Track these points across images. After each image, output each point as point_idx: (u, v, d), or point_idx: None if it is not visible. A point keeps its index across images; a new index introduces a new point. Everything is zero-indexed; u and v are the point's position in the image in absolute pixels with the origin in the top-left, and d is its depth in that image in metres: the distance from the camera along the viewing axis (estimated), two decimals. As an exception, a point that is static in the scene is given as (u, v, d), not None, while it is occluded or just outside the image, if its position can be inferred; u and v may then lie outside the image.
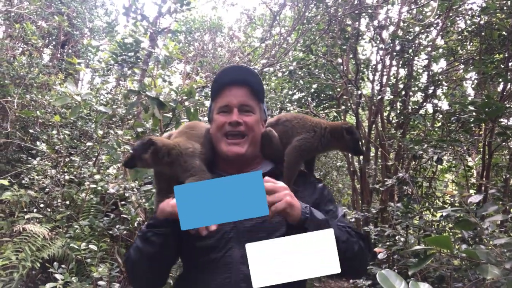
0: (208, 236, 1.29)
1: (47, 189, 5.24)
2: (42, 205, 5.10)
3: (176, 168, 1.43)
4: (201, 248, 1.36)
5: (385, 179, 4.60)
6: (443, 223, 3.61)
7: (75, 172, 5.67)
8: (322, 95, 7.68)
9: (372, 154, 6.36)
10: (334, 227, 1.24)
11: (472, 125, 4.19)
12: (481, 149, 4.97)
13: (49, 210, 5.07)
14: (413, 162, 5.27)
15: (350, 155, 6.69)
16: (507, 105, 3.78)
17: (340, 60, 6.38)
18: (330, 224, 1.26)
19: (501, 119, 3.99)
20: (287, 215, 1.20)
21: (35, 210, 4.97)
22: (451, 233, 3.53)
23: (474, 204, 1.81)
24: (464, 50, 5.95)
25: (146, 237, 1.32)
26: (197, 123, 1.69)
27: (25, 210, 4.84)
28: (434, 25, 5.44)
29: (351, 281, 4.38)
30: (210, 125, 1.58)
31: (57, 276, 3.29)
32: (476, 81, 5.27)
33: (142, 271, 1.38)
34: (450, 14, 5.16)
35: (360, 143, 1.72)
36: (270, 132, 1.59)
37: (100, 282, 3.51)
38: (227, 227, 1.35)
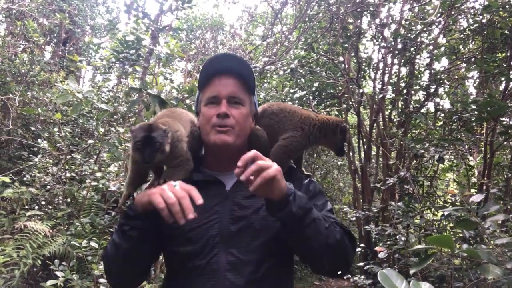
0: (192, 242, 1.27)
1: (48, 187, 5.25)
2: (43, 203, 5.12)
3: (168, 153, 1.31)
4: (185, 254, 1.29)
5: (386, 178, 4.59)
6: (444, 223, 3.61)
7: (76, 170, 5.68)
8: (324, 94, 7.66)
9: (373, 153, 6.35)
10: (317, 213, 1.21)
11: (474, 124, 4.18)
12: (483, 148, 4.96)
13: (50, 207, 5.08)
14: (415, 161, 5.26)
15: (351, 153, 6.68)
16: (509, 104, 3.77)
17: (341, 59, 6.36)
18: (314, 210, 1.21)
19: (503, 118, 3.98)
20: (274, 186, 1.13)
21: (36, 207, 4.98)
22: (452, 233, 3.52)
23: (476, 204, 1.80)
24: (466, 49, 5.92)
25: (123, 230, 1.23)
26: (175, 108, 1.59)
27: (26, 207, 4.86)
28: (436, 24, 5.42)
29: (351, 279, 4.38)
30: (197, 118, 1.50)
31: (58, 273, 3.30)
32: (478, 80, 5.25)
33: (118, 267, 1.29)
34: (452, 13, 5.14)
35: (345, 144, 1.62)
36: (258, 131, 1.49)
37: (101, 280, 3.51)
38: (213, 232, 1.28)
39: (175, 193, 1.10)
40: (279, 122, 1.51)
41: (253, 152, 1.13)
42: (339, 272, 1.30)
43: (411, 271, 1.38)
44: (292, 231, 1.20)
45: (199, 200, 1.10)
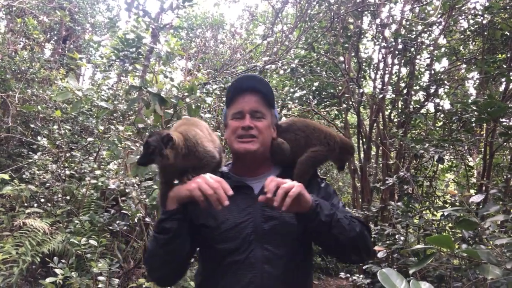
0: (230, 240, 1.45)
1: (47, 184, 5.25)
2: (42, 200, 5.12)
3: (191, 158, 1.44)
4: (224, 251, 1.46)
5: (386, 178, 4.59)
6: (444, 223, 3.61)
7: (75, 167, 5.68)
8: (324, 93, 7.66)
9: (373, 152, 6.35)
10: (339, 213, 1.41)
11: (474, 125, 4.18)
12: (482, 149, 4.97)
13: (49, 205, 5.08)
14: (414, 161, 5.26)
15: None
16: (510, 105, 3.77)
17: (342, 58, 6.36)
18: (336, 212, 1.40)
19: (503, 119, 3.98)
20: (301, 201, 1.31)
21: (35, 204, 4.98)
22: (451, 233, 3.53)
23: (475, 204, 1.80)
24: (467, 50, 5.92)
25: (160, 227, 1.40)
26: (190, 117, 1.77)
27: (25, 204, 4.86)
28: (437, 24, 5.42)
29: (350, 279, 4.38)
30: (225, 130, 1.71)
31: (57, 270, 3.30)
32: (478, 81, 5.26)
33: (159, 260, 1.44)
34: (453, 13, 5.14)
35: None
36: (282, 144, 1.69)
37: (100, 278, 3.51)
38: (248, 230, 1.46)
39: (210, 185, 1.28)
40: (306, 138, 1.73)
41: (273, 181, 1.30)
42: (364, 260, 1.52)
43: (411, 271, 1.40)
44: (321, 233, 1.40)
45: (229, 191, 1.29)
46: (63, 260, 3.53)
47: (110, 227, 4.37)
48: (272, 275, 1.41)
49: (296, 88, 7.21)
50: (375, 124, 6.01)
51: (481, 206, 2.96)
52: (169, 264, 1.45)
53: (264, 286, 1.41)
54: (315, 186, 1.63)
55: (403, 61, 5.78)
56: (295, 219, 1.44)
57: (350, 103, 6.60)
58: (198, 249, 1.60)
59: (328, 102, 7.90)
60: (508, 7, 4.18)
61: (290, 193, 1.26)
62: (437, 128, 5.25)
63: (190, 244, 1.49)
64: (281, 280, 1.42)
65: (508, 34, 4.45)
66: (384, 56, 6.06)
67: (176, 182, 1.50)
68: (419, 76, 6.05)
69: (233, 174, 1.66)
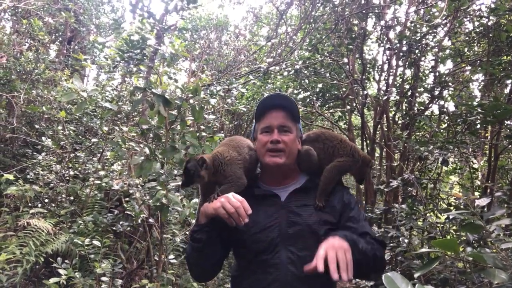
0: (259, 242, 1.61)
1: (51, 184, 5.26)
2: (46, 200, 5.13)
3: (218, 175, 1.68)
4: (254, 251, 1.62)
5: (390, 180, 4.57)
6: (448, 225, 3.59)
7: (79, 168, 5.70)
8: (328, 95, 7.65)
9: (377, 154, 6.33)
10: (363, 243, 1.51)
11: (478, 127, 4.16)
12: (487, 151, 4.94)
13: (53, 205, 5.10)
14: (418, 163, 5.24)
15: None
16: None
17: (346, 60, 6.35)
18: (361, 242, 1.50)
19: (508, 121, 3.96)
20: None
21: (39, 205, 5.00)
22: (455, 235, 3.51)
23: (480, 207, 1.79)
24: (472, 52, 5.90)
25: (193, 237, 1.61)
26: (235, 137, 1.96)
27: (29, 204, 4.87)
28: (442, 26, 5.40)
29: (353, 281, 4.36)
30: (254, 143, 1.87)
31: (61, 271, 3.31)
32: (483, 83, 5.23)
33: (194, 262, 1.67)
34: (458, 15, 5.12)
35: None
36: (310, 150, 1.82)
37: (103, 278, 3.52)
38: (274, 234, 1.61)
39: (232, 204, 1.45)
40: (333, 148, 1.86)
41: (328, 256, 1.36)
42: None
43: (416, 275, 1.39)
44: None
45: (249, 210, 1.46)
46: (66, 261, 3.53)
47: (114, 228, 4.37)
48: (295, 275, 1.54)
49: (300, 90, 7.21)
50: (379, 126, 6.00)
51: (486, 209, 2.94)
52: (204, 265, 1.66)
53: (288, 285, 1.55)
54: (338, 193, 1.76)
55: (407, 63, 5.77)
56: (317, 225, 1.61)
57: (354, 104, 6.59)
58: (233, 248, 1.78)
59: (332, 104, 7.89)
60: (513, 9, 4.16)
61: (348, 256, 1.36)
62: (442, 130, 5.23)
63: (221, 248, 1.69)
64: (304, 281, 1.53)
65: (514, 36, 4.42)
66: (389, 57, 6.04)
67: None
68: (424, 78, 6.03)
69: (262, 183, 1.83)
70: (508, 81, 4.53)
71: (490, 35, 4.63)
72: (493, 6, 4.32)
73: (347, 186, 1.88)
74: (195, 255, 1.65)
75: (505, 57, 4.85)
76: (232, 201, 1.48)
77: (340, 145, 1.88)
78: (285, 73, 6.06)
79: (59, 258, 3.46)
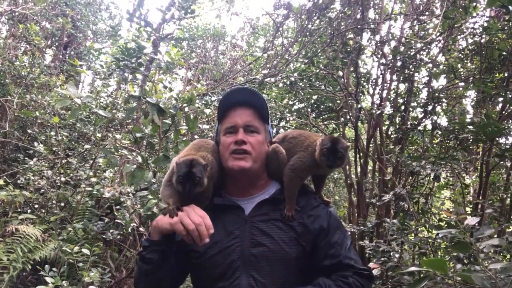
0: (216, 265, 1.37)
1: (42, 190, 5.21)
2: (36, 206, 5.08)
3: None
4: (210, 277, 1.39)
5: (382, 194, 4.59)
6: (439, 241, 3.60)
7: (71, 174, 5.65)
8: (322, 107, 7.69)
9: (369, 167, 6.35)
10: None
11: (471, 142, 4.20)
12: (479, 167, 4.97)
13: (43, 211, 5.04)
14: (411, 178, 5.26)
15: (347, 167, 6.69)
16: (506, 126, 3.79)
17: (341, 73, 6.40)
18: None
19: (500, 139, 4.00)
20: None
21: (29, 210, 4.94)
22: (446, 252, 3.51)
23: (471, 226, 1.80)
24: (465, 68, 5.97)
25: (142, 256, 1.36)
26: (206, 140, 1.73)
27: (19, 210, 4.82)
28: (436, 42, 5.47)
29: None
30: (218, 147, 1.60)
31: (48, 279, 3.26)
32: (475, 100, 5.29)
33: (142, 286, 1.42)
34: (452, 32, 5.20)
35: (330, 154, 1.51)
36: (277, 148, 1.58)
37: (91, 287, 3.47)
38: (234, 256, 1.37)
39: (193, 220, 1.25)
40: (295, 145, 1.62)
41: None
42: None
43: (405, 292, 1.39)
44: None
45: (211, 229, 1.26)
46: (54, 268, 3.48)
47: (104, 236, 4.33)
48: None
49: (295, 101, 7.24)
50: (372, 139, 6.03)
51: (476, 225, 2.95)
52: None
53: None
54: (315, 211, 1.49)
55: (401, 77, 5.82)
56: (290, 246, 1.37)
57: (348, 117, 6.63)
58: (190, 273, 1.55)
59: (326, 116, 7.93)
60: (506, 28, 4.23)
61: None
62: (434, 146, 5.27)
63: (177, 273, 1.45)
64: None
65: (506, 54, 4.49)
66: (383, 72, 6.10)
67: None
68: (417, 93, 6.09)
69: (225, 193, 1.57)
70: (500, 99, 4.59)
71: (483, 52, 4.69)
72: (486, 24, 4.40)
73: (328, 201, 1.61)
74: (144, 279, 1.38)
75: (497, 75, 4.92)
76: (193, 215, 1.26)
77: (301, 141, 1.63)
78: (280, 85, 6.10)
79: (46, 265, 3.41)
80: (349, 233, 1.52)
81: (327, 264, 1.38)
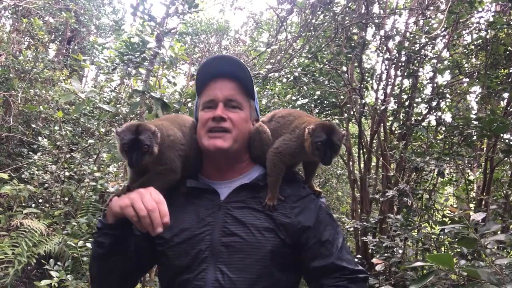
0: (182, 255, 1.21)
1: (46, 185, 5.24)
2: (40, 201, 5.10)
3: (156, 159, 1.26)
4: (175, 268, 1.23)
5: (386, 190, 4.58)
6: (442, 237, 3.59)
7: (75, 169, 5.67)
8: (326, 102, 7.67)
9: (373, 163, 6.35)
10: None
11: (475, 138, 4.18)
12: (483, 164, 4.96)
13: (47, 205, 5.07)
14: (414, 174, 5.25)
15: (351, 163, 6.68)
16: None
17: (345, 68, 6.37)
18: None
19: (505, 135, 3.98)
20: None
21: (33, 205, 4.97)
22: (450, 248, 3.51)
23: (476, 221, 1.80)
24: (469, 64, 5.94)
25: (93, 238, 1.23)
26: (180, 115, 1.56)
27: (23, 204, 4.84)
28: (441, 38, 5.44)
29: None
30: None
31: (53, 273, 3.28)
32: (480, 95, 5.26)
33: (95, 274, 1.28)
34: (457, 27, 5.16)
35: (326, 149, 1.29)
36: (260, 127, 1.40)
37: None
38: (203, 245, 1.21)
39: (146, 205, 1.08)
40: (282, 126, 1.44)
41: None
42: None
43: (411, 288, 1.37)
44: None
45: (165, 217, 1.08)
46: (59, 263, 3.51)
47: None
48: None
49: (299, 96, 7.22)
50: (376, 135, 6.01)
51: (480, 221, 2.95)
52: (106, 280, 1.27)
53: None
54: (302, 202, 1.30)
55: (406, 73, 5.80)
56: (266, 237, 1.20)
57: (352, 113, 6.61)
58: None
59: (329, 111, 7.91)
60: (511, 23, 4.20)
61: None
62: (438, 142, 5.25)
63: (137, 261, 1.28)
64: None
65: (511, 49, 4.46)
66: (387, 67, 6.08)
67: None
68: (422, 89, 6.06)
69: (202, 176, 1.40)
70: (505, 94, 4.56)
71: (488, 48, 4.66)
72: (491, 19, 4.36)
73: (319, 191, 1.42)
74: (96, 264, 1.24)
75: (502, 70, 4.89)
76: (147, 199, 1.08)
77: (289, 122, 1.43)
78: (284, 80, 6.08)
79: (51, 259, 3.43)
80: (340, 227, 1.32)
81: (316, 265, 1.21)
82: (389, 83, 6.07)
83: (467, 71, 5.74)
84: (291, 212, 1.26)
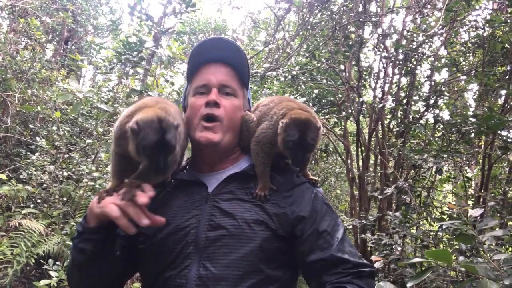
0: (166, 251, 1.13)
1: (44, 185, 5.23)
2: (39, 201, 5.10)
3: None
4: (157, 264, 1.15)
5: (384, 187, 4.59)
6: (441, 234, 3.61)
7: (73, 169, 5.66)
8: (324, 101, 7.68)
9: (371, 161, 6.36)
10: None
11: (473, 136, 4.20)
12: (481, 161, 4.97)
13: (46, 206, 5.06)
14: (413, 171, 5.27)
15: (349, 161, 6.69)
16: (509, 118, 3.78)
17: (342, 67, 6.38)
18: None
19: (502, 132, 3.99)
20: None
21: (32, 205, 4.96)
22: (448, 244, 3.52)
23: (474, 217, 1.81)
24: (467, 62, 5.95)
25: (74, 243, 1.11)
26: (164, 100, 1.37)
27: (22, 205, 4.84)
28: (438, 36, 5.45)
29: None
30: (185, 114, 1.32)
31: (52, 273, 3.28)
32: (477, 93, 5.28)
33: (75, 283, 1.17)
34: (454, 25, 5.17)
35: (298, 151, 1.18)
36: (246, 115, 1.32)
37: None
38: (187, 239, 1.12)
39: (126, 204, 1.00)
40: (263, 114, 1.33)
41: None
42: None
43: (408, 284, 1.37)
44: None
45: (143, 220, 0.99)
46: (58, 262, 3.50)
47: (106, 230, 4.34)
48: None
49: (297, 95, 7.23)
50: (374, 133, 6.02)
51: (478, 218, 2.96)
52: (90, 287, 1.16)
53: None
54: (296, 191, 1.20)
55: (403, 71, 5.81)
56: (255, 230, 1.09)
57: (350, 111, 6.62)
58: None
59: (327, 110, 7.92)
60: (508, 21, 4.21)
61: None
62: (436, 139, 5.27)
63: (123, 265, 1.19)
64: None
65: (508, 47, 4.47)
66: (385, 65, 6.08)
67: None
68: (419, 87, 6.07)
69: (190, 168, 1.33)
70: (503, 92, 4.57)
71: (486, 45, 4.67)
72: (488, 17, 4.37)
73: (315, 179, 1.30)
74: (77, 273, 1.13)
75: (499, 68, 4.90)
76: (126, 197, 1.00)
77: (270, 109, 1.33)
78: (282, 79, 6.08)
79: (50, 259, 3.43)
80: (340, 219, 1.20)
81: (315, 258, 1.09)
82: (387, 81, 6.08)
83: (464, 69, 5.75)
84: (284, 201, 1.17)
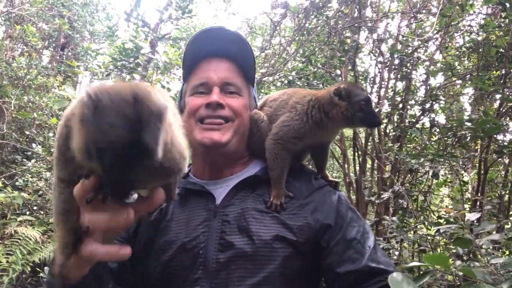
0: (171, 276, 0.96)
1: (40, 192, 5.21)
2: (35, 208, 5.07)
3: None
4: None
5: (381, 192, 4.60)
6: (438, 238, 3.61)
7: (70, 176, 5.64)
8: (320, 106, 7.70)
9: (368, 166, 6.37)
10: None
11: (469, 139, 4.22)
12: (477, 164, 4.99)
13: (42, 213, 5.03)
14: (409, 176, 5.28)
15: (346, 165, 6.69)
16: (504, 123, 3.81)
17: (338, 72, 6.41)
18: None
19: (498, 135, 4.01)
20: None
21: (27, 212, 4.93)
22: (445, 248, 3.53)
23: (471, 221, 1.81)
24: (462, 66, 5.99)
25: None
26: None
27: (17, 212, 4.81)
28: (433, 40, 5.49)
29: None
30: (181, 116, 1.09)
31: (48, 280, 3.25)
32: (473, 97, 5.31)
33: None
34: (449, 30, 5.22)
35: (371, 108, 1.07)
36: (255, 114, 1.16)
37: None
38: (195, 263, 0.95)
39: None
40: (277, 109, 1.17)
41: None
42: None
43: (406, 289, 1.38)
44: None
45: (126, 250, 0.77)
46: (54, 270, 3.47)
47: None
48: None
49: (293, 100, 7.24)
50: (370, 138, 6.04)
51: (475, 222, 2.97)
52: None
53: None
54: (317, 196, 1.03)
55: (399, 75, 5.84)
56: (275, 248, 0.92)
57: (346, 116, 6.63)
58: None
59: (324, 115, 7.94)
60: (502, 25, 4.25)
61: None
62: (432, 143, 5.29)
63: (125, 279, 1.02)
64: None
65: (503, 51, 4.51)
66: (381, 70, 6.11)
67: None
68: (415, 91, 6.10)
69: (192, 175, 1.15)
70: (497, 96, 4.60)
71: (480, 50, 4.71)
72: (483, 22, 4.41)
73: (335, 181, 1.16)
74: None
75: (494, 72, 4.94)
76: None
77: (284, 102, 1.17)
78: (278, 84, 6.10)
79: (46, 267, 3.40)
80: (368, 225, 1.06)
81: (346, 271, 0.94)
82: (383, 85, 6.10)
83: (459, 73, 5.79)
84: (304, 209, 1.01)
